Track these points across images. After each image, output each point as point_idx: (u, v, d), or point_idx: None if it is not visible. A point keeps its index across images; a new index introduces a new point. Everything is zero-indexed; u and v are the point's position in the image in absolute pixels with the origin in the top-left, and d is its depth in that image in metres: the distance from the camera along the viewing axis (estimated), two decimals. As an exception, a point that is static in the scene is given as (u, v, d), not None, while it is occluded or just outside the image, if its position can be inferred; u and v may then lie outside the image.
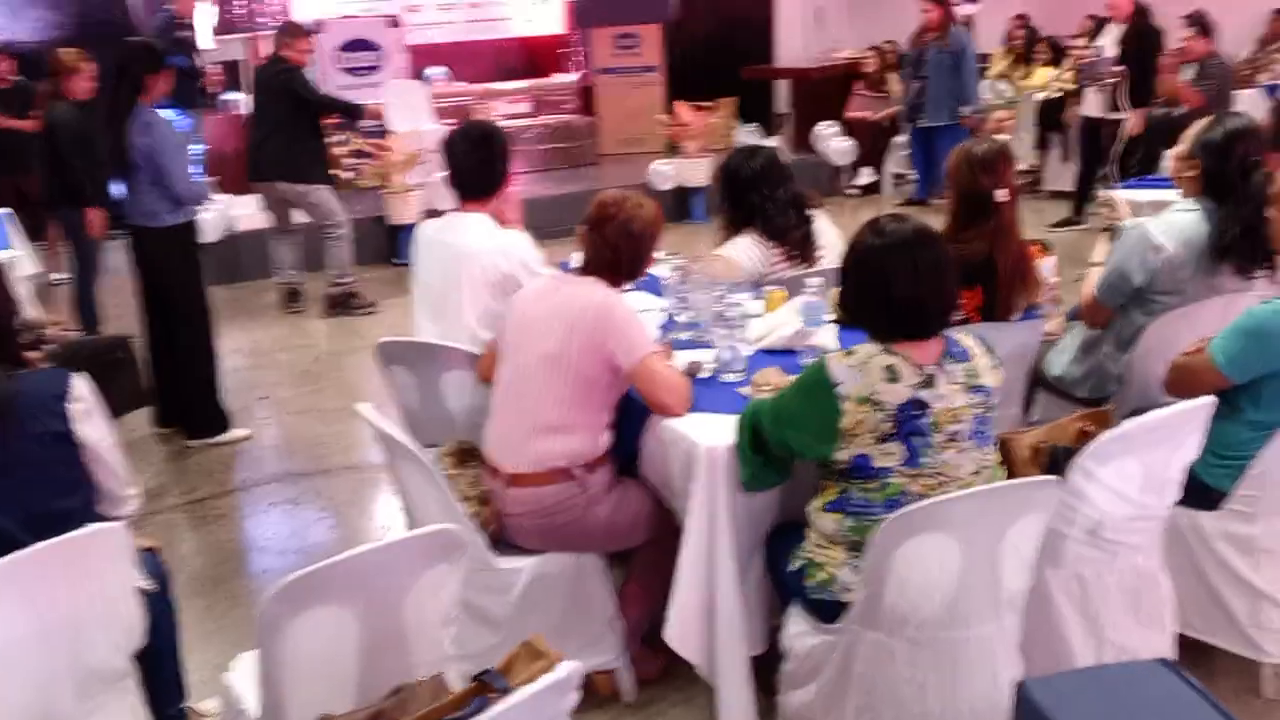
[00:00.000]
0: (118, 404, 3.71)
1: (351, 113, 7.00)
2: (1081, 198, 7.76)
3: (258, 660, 1.95)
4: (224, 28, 9.46)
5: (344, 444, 4.74)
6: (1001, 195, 3.11)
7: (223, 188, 7.74)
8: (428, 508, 2.66)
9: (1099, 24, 7.73)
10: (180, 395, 4.72)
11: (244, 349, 6.11)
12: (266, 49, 7.82)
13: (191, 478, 4.43)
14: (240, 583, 3.64)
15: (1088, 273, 3.36)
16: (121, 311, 5.38)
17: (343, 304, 6.78)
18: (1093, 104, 7.43)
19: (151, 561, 2.48)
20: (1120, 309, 3.20)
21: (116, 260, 6.15)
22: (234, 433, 4.79)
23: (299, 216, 6.85)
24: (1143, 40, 7.05)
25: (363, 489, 4.31)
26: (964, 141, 3.30)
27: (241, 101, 8.67)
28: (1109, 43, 7.28)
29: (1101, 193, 4.62)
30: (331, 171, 7.00)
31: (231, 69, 8.27)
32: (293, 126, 6.49)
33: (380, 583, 2.00)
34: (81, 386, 2.44)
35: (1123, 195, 3.86)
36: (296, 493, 4.30)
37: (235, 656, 2.23)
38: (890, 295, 2.25)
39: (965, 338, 2.34)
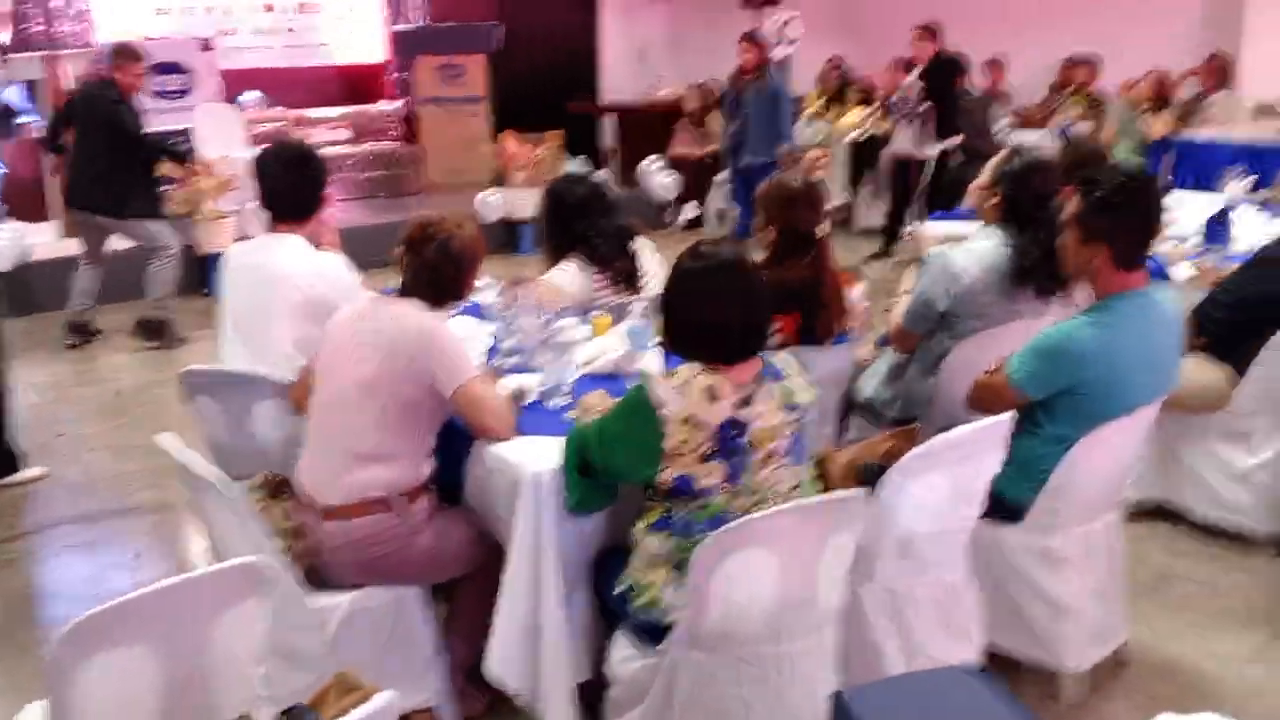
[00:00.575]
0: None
1: (179, 158, 6.67)
2: (892, 233, 8.12)
3: (47, 711, 1.80)
4: (19, 45, 8.89)
5: (147, 482, 4.46)
6: (822, 230, 3.23)
7: (18, 215, 7.26)
8: (235, 544, 2.52)
9: (906, 66, 8.15)
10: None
11: (40, 384, 5.71)
12: (68, 69, 7.41)
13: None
14: (30, 632, 3.37)
15: (896, 301, 3.51)
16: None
17: (157, 332, 6.41)
18: (902, 141, 7.80)
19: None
20: (926, 334, 3.34)
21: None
22: (26, 472, 4.45)
23: (112, 245, 6.45)
24: (943, 75, 7.48)
25: (166, 529, 4.06)
26: (769, 182, 3.40)
27: (36, 124, 8.16)
28: (912, 81, 7.69)
29: (910, 226, 4.85)
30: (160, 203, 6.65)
31: (28, 89, 7.76)
32: (120, 156, 6.14)
33: (182, 620, 1.89)
34: None
35: (928, 228, 4.05)
36: (94, 535, 4.02)
37: (22, 709, 2.05)
38: (706, 317, 2.29)
39: (780, 359, 2.40)
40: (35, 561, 3.86)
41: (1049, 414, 2.72)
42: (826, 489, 2.56)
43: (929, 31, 7.57)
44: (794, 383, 2.35)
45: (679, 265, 2.37)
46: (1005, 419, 2.52)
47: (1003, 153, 3.36)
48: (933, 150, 7.52)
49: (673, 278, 2.38)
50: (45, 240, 7.38)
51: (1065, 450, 2.72)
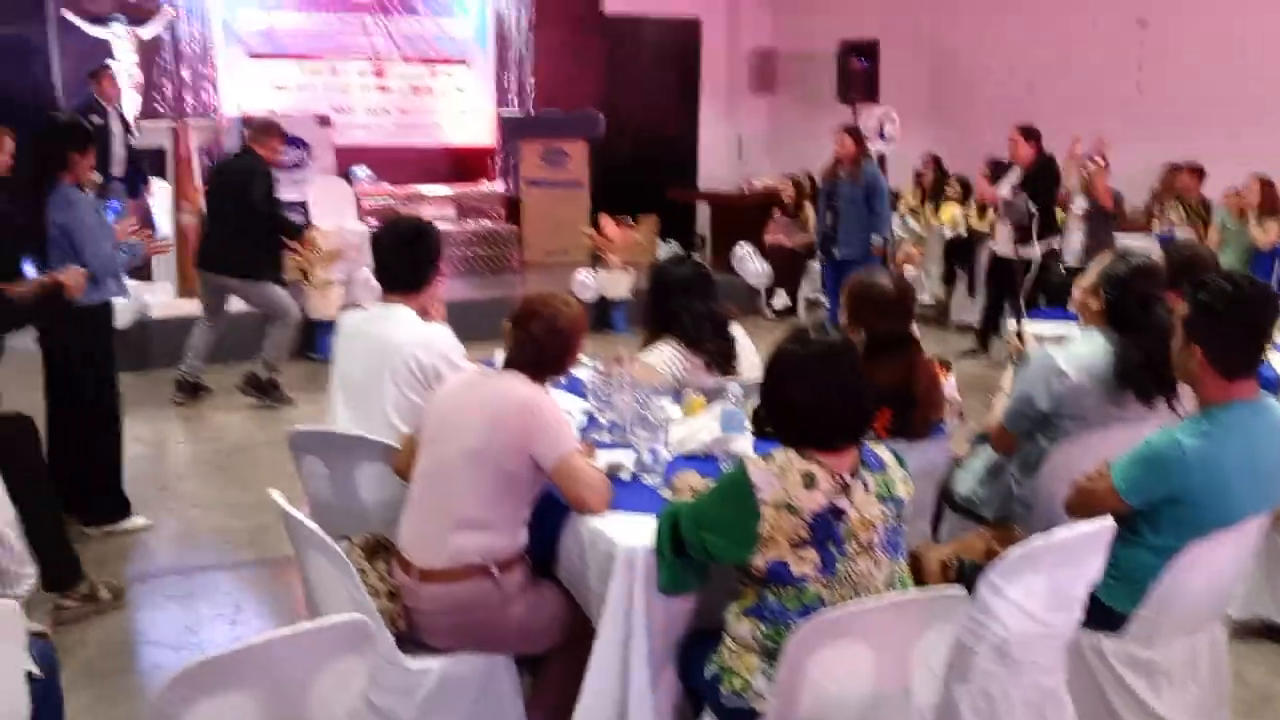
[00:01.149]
0: (16, 484, 3.58)
1: (297, 231, 7.00)
2: (987, 331, 8.05)
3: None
4: (149, 114, 9.43)
5: (248, 538, 4.60)
6: (915, 332, 3.24)
7: (135, 274, 7.61)
8: (336, 600, 2.59)
9: (998, 168, 8.17)
10: (80, 480, 4.53)
11: (147, 438, 5.93)
12: (193, 139, 7.82)
13: (86, 565, 4.23)
14: (131, 677, 3.47)
15: (995, 399, 3.48)
16: (24, 390, 5.19)
17: (265, 391, 6.64)
18: (1002, 241, 7.78)
19: (41, 648, 2.37)
20: (1026, 435, 3.31)
21: (22, 338, 5.98)
22: (133, 521, 4.62)
23: (233, 306, 6.74)
24: (1045, 181, 7.45)
25: (265, 585, 4.17)
26: (862, 273, 3.41)
27: (165, 188, 8.60)
28: (1009, 186, 7.67)
29: (1010, 325, 4.81)
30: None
31: (156, 156, 8.20)
32: (251, 223, 6.45)
33: (284, 673, 1.94)
34: None
35: (1030, 327, 4.03)
36: (194, 586, 4.14)
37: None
38: (807, 402, 2.31)
39: (880, 448, 2.41)
40: (137, 609, 3.98)
41: (1151, 523, 2.67)
42: (920, 585, 2.54)
43: (1029, 133, 7.58)
44: (893, 474, 2.36)
45: (782, 349, 2.39)
46: (1107, 524, 2.48)
47: (1106, 256, 3.34)
48: (1034, 251, 7.48)
49: (775, 361, 2.41)
50: (161, 299, 7.71)
51: (1168, 560, 2.66)
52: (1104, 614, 2.69)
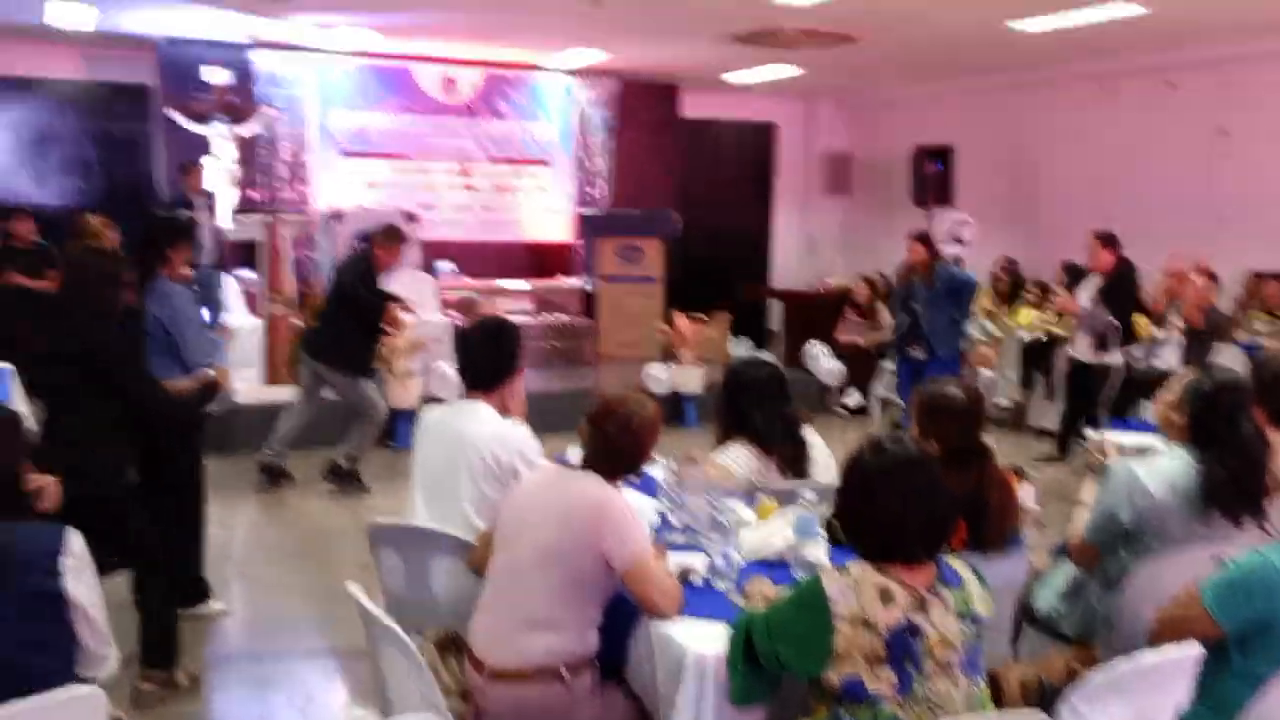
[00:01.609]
0: (104, 562, 3.69)
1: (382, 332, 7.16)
2: (1065, 437, 7.91)
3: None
4: (245, 208, 9.83)
5: (322, 627, 4.65)
6: (988, 442, 3.20)
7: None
8: (408, 696, 2.61)
9: (1076, 273, 8.10)
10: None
11: (228, 521, 6.06)
12: (286, 232, 8.13)
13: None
14: (200, 764, 3.51)
15: (1075, 512, 3.42)
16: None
17: (345, 479, 6.77)
18: (1082, 347, 7.68)
19: (120, 732, 2.42)
20: (1108, 549, 3.24)
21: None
22: (211, 605, 4.70)
23: (325, 395, 6.93)
24: (1124, 289, 7.37)
25: (337, 674, 4.20)
26: (934, 385, 3.37)
27: (256, 280, 8.92)
28: (1087, 293, 7.61)
29: (1090, 434, 4.73)
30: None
31: (249, 249, 8.54)
32: (356, 319, 6.67)
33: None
34: (76, 542, 2.44)
35: (1111, 437, 3.96)
36: (268, 673, 4.19)
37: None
38: (881, 515, 2.29)
39: (958, 564, 2.38)
40: (211, 694, 4.03)
41: (1242, 648, 2.58)
42: (1000, 706, 2.48)
43: (1108, 240, 7.54)
44: (971, 591, 2.32)
45: (859, 458, 2.37)
46: (1195, 650, 2.41)
47: (1191, 370, 3.29)
48: (1114, 358, 7.37)
49: (851, 470, 2.39)
50: (247, 386, 7.94)
51: (1258, 687, 2.56)
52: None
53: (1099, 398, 7.29)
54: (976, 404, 3.24)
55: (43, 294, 7.24)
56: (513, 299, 10.49)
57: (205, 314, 7.72)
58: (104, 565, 3.44)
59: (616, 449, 2.86)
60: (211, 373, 4.34)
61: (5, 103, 9.68)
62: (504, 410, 3.60)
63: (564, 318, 10.60)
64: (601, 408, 2.91)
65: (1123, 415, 6.80)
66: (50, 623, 2.38)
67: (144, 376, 4.04)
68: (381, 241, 6.79)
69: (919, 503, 2.28)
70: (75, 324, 3.86)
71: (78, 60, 10.28)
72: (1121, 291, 7.40)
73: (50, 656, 2.37)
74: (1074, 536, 3.33)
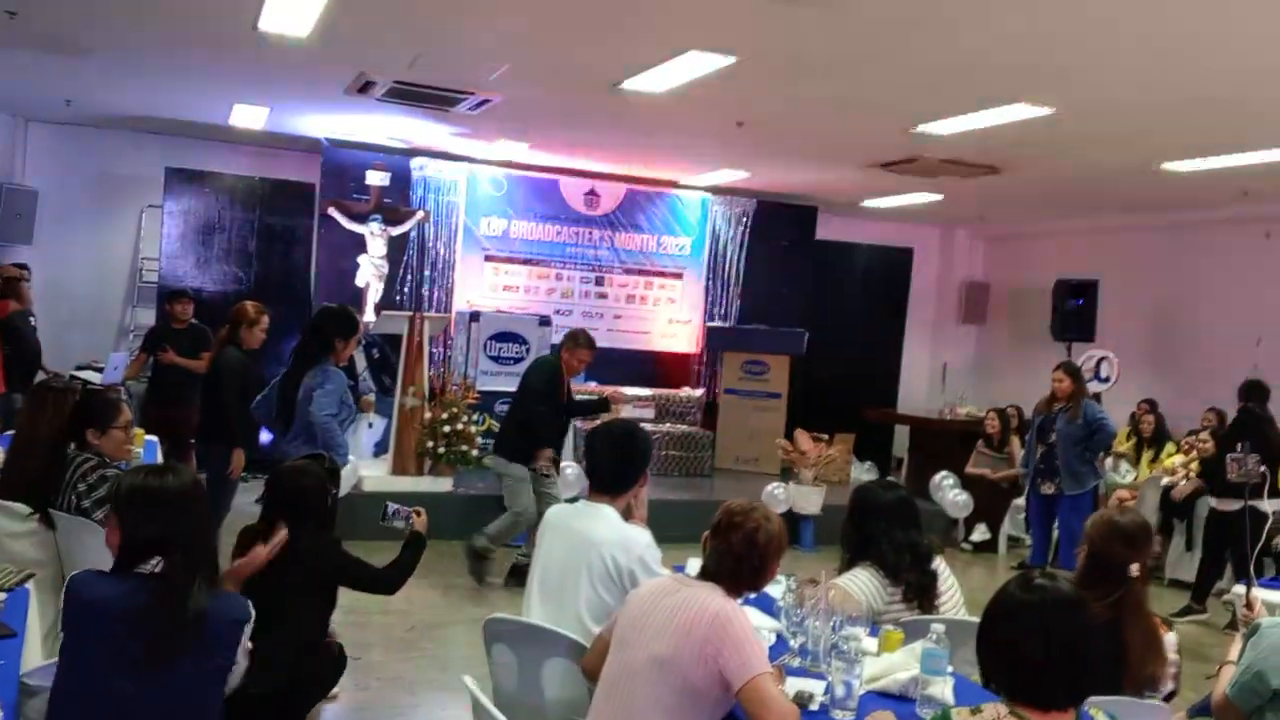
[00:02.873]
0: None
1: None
2: (1203, 588, 7.48)
3: None
4: (388, 305, 10.24)
5: (426, 718, 4.65)
6: (1134, 570, 3.07)
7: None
8: (514, 798, 2.58)
9: (1223, 421, 7.77)
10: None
11: (343, 606, 6.13)
12: (426, 329, 8.39)
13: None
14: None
15: (1223, 670, 3.21)
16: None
17: (477, 559, 6.90)
18: (1218, 495, 7.32)
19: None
20: (1254, 712, 3.02)
21: (246, 497, 6.43)
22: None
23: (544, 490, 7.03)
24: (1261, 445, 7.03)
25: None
26: (1106, 508, 3.31)
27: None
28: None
29: (1237, 589, 4.48)
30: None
31: (392, 342, 8.85)
32: (527, 414, 6.97)
33: None
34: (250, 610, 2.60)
35: (1260, 594, 3.74)
36: (372, 761, 4.20)
37: None
38: (1023, 654, 2.19)
39: (1099, 713, 2.25)
40: (315, 777, 4.06)
41: None
42: None
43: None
44: (1111, 742, 2.19)
45: (1008, 592, 2.28)
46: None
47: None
48: (1265, 507, 6.98)
49: (997, 605, 2.29)
50: (374, 474, 8.15)
51: None
52: None
53: (1244, 550, 6.88)
54: (1138, 528, 3.14)
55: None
56: (635, 406, 10.57)
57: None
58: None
59: (738, 562, 2.82)
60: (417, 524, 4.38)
61: (180, 193, 10.38)
62: (628, 514, 3.60)
63: (683, 427, 10.62)
64: (726, 518, 2.88)
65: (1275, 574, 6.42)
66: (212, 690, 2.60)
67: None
68: (569, 345, 7.04)
69: (1065, 645, 2.17)
70: None
71: (249, 157, 10.99)
72: (1265, 439, 7.06)
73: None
74: (1218, 695, 3.12)
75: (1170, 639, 3.29)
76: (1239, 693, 3.05)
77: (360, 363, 8.90)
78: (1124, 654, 3.03)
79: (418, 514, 4.26)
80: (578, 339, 7.10)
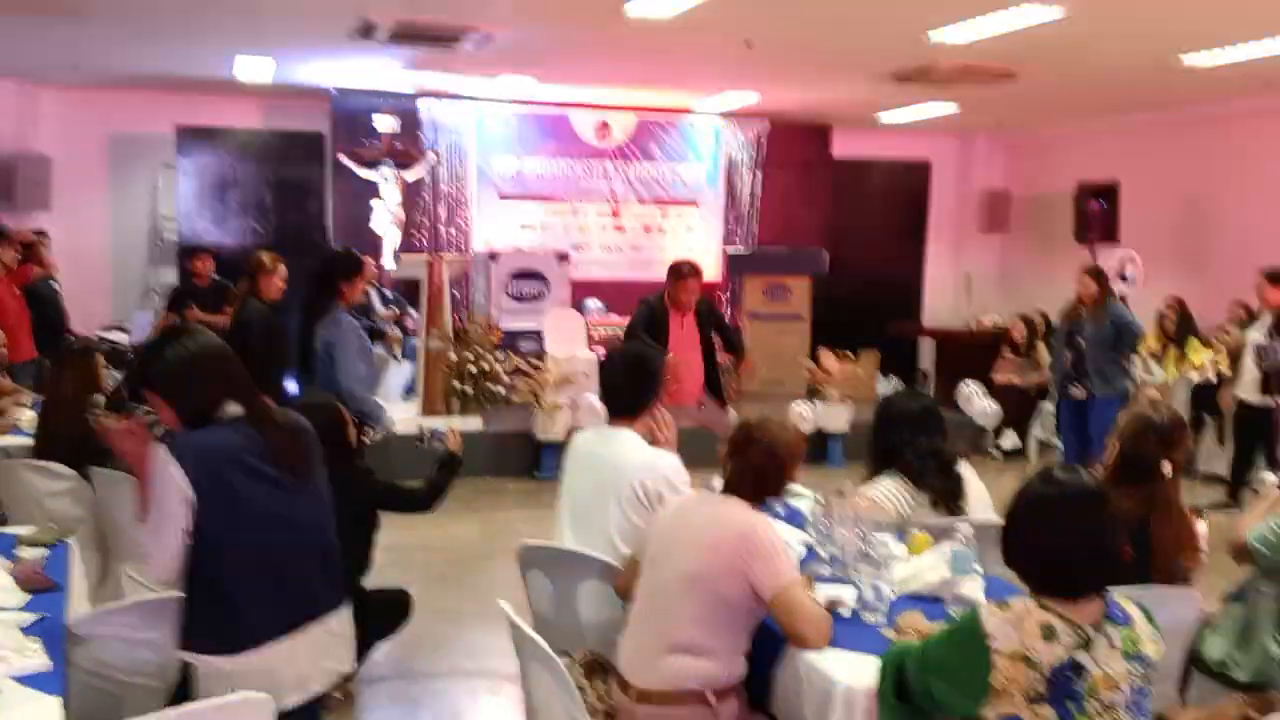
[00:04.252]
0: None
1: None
2: (1236, 482, 7.48)
3: None
4: (407, 248, 10.26)
5: (468, 649, 4.75)
6: (1167, 469, 3.06)
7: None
8: (554, 716, 2.64)
9: (1252, 314, 7.69)
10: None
11: (383, 545, 6.24)
12: (445, 271, 8.41)
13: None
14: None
15: (1251, 512, 3.22)
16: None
17: None
18: (1248, 388, 7.28)
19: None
20: (1268, 570, 3.05)
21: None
22: (368, 625, 4.85)
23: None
24: None
25: (483, 696, 4.29)
26: (1141, 407, 3.30)
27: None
28: (1260, 333, 7.20)
29: (1268, 477, 4.48)
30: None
31: (411, 287, 8.89)
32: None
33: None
34: None
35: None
36: (418, 693, 4.31)
37: None
38: (1048, 547, 2.21)
39: (1127, 602, 2.27)
40: (365, 712, 4.16)
41: None
42: (1168, 752, 2.35)
43: (1277, 278, 7.13)
44: (1140, 631, 2.21)
45: (1029, 488, 2.30)
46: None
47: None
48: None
49: (1020, 500, 2.31)
50: (405, 416, 8.22)
51: None
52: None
53: (1274, 439, 6.86)
54: (1172, 424, 3.12)
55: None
56: (659, 337, 10.58)
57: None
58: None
59: (760, 474, 2.85)
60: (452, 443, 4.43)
61: (193, 151, 10.38)
62: (651, 438, 3.63)
63: (710, 355, 10.60)
64: (742, 433, 2.91)
65: None
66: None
67: None
68: (673, 279, 6.71)
69: (1088, 536, 2.19)
70: None
71: (257, 110, 10.96)
72: None
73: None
74: (1238, 538, 3.15)
75: (1201, 528, 3.30)
76: (1263, 545, 3.07)
77: (377, 302, 8.95)
78: (1152, 550, 3.03)
79: (453, 433, 4.34)
80: (679, 270, 6.73)
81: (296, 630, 2.63)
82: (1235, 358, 8.10)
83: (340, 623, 2.79)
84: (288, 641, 2.61)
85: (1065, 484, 2.26)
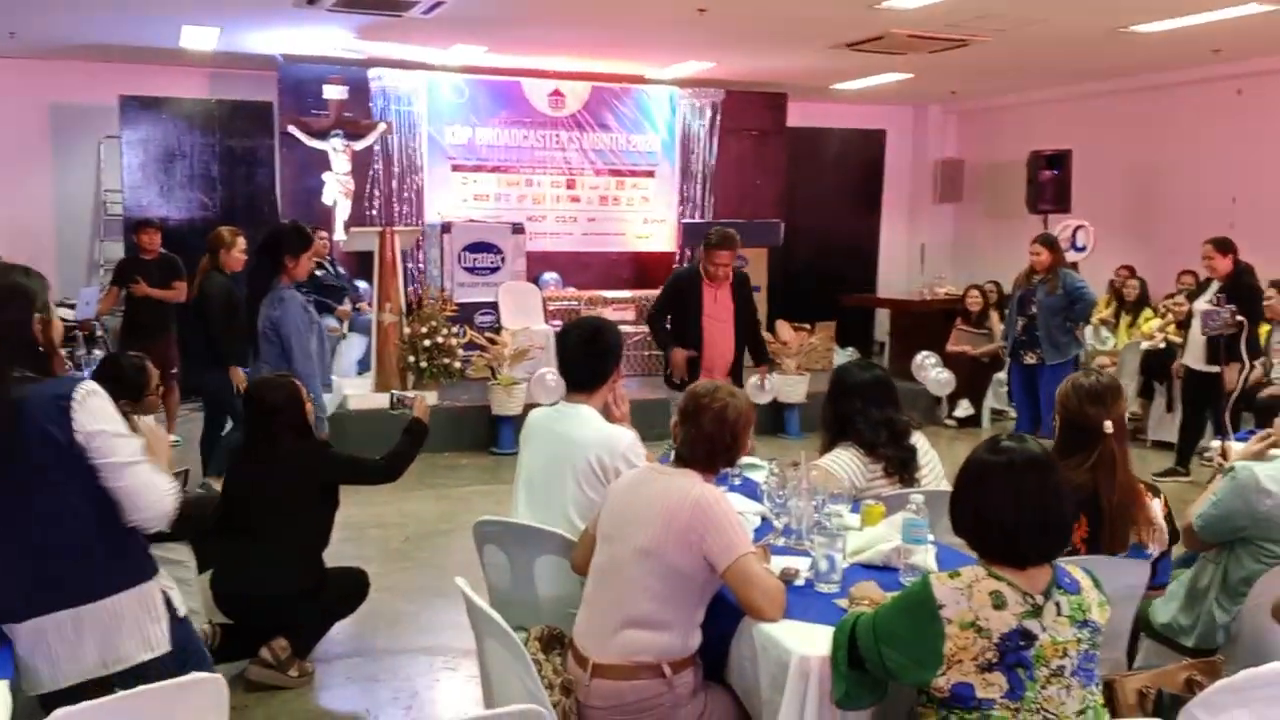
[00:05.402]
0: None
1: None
2: (1185, 449, 7.62)
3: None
4: (359, 220, 10.11)
5: (426, 625, 4.74)
6: (1108, 427, 3.09)
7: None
8: (511, 691, 2.64)
9: (1201, 283, 7.80)
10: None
11: (338, 522, 6.19)
12: (398, 243, 8.31)
13: (273, 643, 4.44)
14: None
15: (1201, 496, 3.28)
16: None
17: None
18: (1195, 356, 7.40)
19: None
20: (1230, 552, 3.11)
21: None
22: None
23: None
24: (1241, 298, 7.06)
25: (441, 672, 4.27)
26: (1071, 375, 3.32)
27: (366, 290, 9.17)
28: (1206, 301, 7.31)
29: (1214, 442, 4.56)
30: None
31: (364, 259, 8.77)
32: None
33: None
34: (88, 385, 2.50)
35: (1233, 447, 3.80)
36: (376, 670, 4.28)
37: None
38: (996, 515, 2.23)
39: (1075, 570, 2.30)
40: (322, 689, 4.13)
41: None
42: (1115, 715, 2.39)
43: (1223, 246, 7.24)
44: (1088, 598, 2.24)
45: (977, 456, 2.32)
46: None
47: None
48: (1234, 366, 7.06)
49: (967, 470, 2.33)
50: (358, 393, 8.15)
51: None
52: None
53: (1221, 406, 6.98)
54: (1105, 386, 3.13)
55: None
56: (615, 308, 10.54)
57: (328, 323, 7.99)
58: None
59: (712, 443, 2.83)
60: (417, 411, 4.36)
61: (137, 121, 10.15)
62: (607, 413, 3.61)
63: (667, 327, 10.59)
64: (693, 402, 2.88)
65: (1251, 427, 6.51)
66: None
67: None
68: (706, 250, 6.34)
69: (1036, 504, 2.22)
70: None
71: (203, 80, 10.74)
72: (1240, 294, 7.09)
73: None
74: (1186, 519, 3.22)
75: (1156, 505, 3.32)
76: (1205, 525, 3.14)
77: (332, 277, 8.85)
78: (1100, 517, 3.06)
79: (420, 400, 4.31)
80: (707, 239, 6.35)
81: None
82: (1184, 326, 8.23)
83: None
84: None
85: (1012, 452, 2.28)
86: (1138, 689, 2.56)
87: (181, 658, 2.64)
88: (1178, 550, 3.46)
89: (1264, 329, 7.35)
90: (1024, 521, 2.20)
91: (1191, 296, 7.79)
